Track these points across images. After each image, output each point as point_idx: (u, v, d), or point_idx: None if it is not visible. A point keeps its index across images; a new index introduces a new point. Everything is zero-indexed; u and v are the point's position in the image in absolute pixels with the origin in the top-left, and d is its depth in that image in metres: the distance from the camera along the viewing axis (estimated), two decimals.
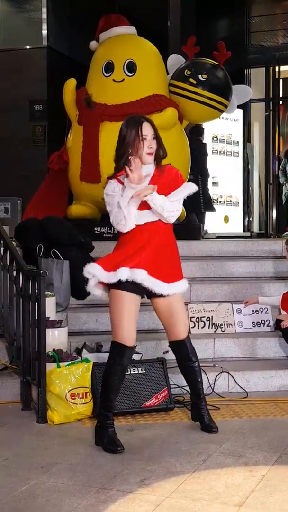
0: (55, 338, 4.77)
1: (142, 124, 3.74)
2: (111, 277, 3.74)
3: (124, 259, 3.74)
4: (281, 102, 12.66)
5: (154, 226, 3.80)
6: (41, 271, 4.53)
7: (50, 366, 4.38)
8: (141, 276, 3.72)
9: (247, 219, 11.54)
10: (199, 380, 4.06)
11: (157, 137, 3.79)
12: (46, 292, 4.69)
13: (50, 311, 4.95)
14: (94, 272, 3.79)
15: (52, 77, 9.74)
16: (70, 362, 4.44)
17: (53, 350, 4.55)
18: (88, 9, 9.71)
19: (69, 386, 4.32)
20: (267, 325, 5.65)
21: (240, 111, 10.87)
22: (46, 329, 4.46)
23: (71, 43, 10.47)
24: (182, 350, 4.02)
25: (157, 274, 3.78)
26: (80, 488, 3.22)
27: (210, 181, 9.48)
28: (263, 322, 5.66)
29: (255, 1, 11.91)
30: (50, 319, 4.86)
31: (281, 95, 12.60)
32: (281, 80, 12.47)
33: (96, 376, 4.41)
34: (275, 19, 12.22)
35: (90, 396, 4.38)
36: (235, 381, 4.88)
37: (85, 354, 4.85)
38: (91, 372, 4.41)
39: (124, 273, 3.69)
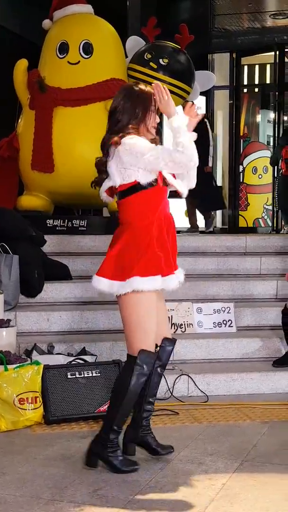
0: (3, 339, 4.73)
1: (154, 95, 3.51)
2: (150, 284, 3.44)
3: (165, 261, 3.49)
4: (245, 90, 12.78)
5: (167, 207, 3.59)
6: None
7: None
8: (174, 285, 3.56)
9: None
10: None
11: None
12: None
13: None
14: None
15: (2, 57, 9.63)
16: (18, 364, 4.41)
17: (0, 351, 4.51)
18: None
19: (18, 390, 4.28)
20: (229, 326, 5.69)
21: (203, 98, 10.91)
22: None
23: (22, 21, 10.35)
24: (166, 352, 3.73)
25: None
26: (28, 500, 3.19)
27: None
28: (224, 322, 5.70)
29: None
30: None
31: (245, 83, 12.72)
32: (245, 67, 12.58)
33: (47, 379, 4.38)
34: (241, 2, 12.29)
35: (40, 401, 4.35)
36: (195, 385, 4.91)
37: (35, 356, 4.82)
38: (42, 376, 4.38)
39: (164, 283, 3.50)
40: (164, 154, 3.39)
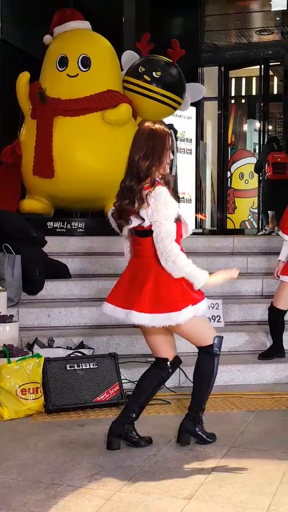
0: (6, 333, 4.72)
1: (169, 134, 3.60)
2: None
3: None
4: (233, 101, 12.80)
5: None
6: None
7: (1, 361, 4.33)
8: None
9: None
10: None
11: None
12: None
13: (1, 306, 4.90)
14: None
15: (5, 70, 9.60)
16: (21, 357, 4.40)
17: (4, 345, 4.50)
18: (42, 3, 9.61)
19: (20, 381, 4.28)
20: (217, 321, 5.69)
21: (194, 109, 10.91)
22: None
23: (25, 36, 10.33)
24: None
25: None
26: (29, 484, 3.19)
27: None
28: (213, 317, 5.70)
29: (209, 1, 11.96)
30: (1, 314, 4.80)
31: (233, 94, 12.74)
32: (233, 80, 12.59)
33: (48, 371, 4.37)
34: (229, 19, 12.31)
35: (41, 392, 4.34)
36: (186, 376, 4.89)
37: (36, 349, 4.81)
38: (42, 367, 4.38)
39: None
40: (172, 252, 3.43)
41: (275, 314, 5.24)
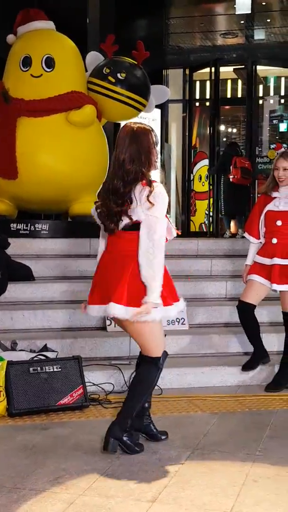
0: None
1: (152, 131, 3.62)
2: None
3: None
4: (197, 103, 12.86)
5: None
6: None
7: None
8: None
9: None
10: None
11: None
12: None
13: None
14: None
15: None
16: None
17: None
18: (6, 2, 9.54)
19: None
20: (182, 323, 5.71)
21: (158, 111, 10.95)
22: None
23: None
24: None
25: None
26: None
27: None
28: (177, 320, 5.71)
29: (173, 3, 12.02)
30: None
31: (197, 97, 12.80)
32: (197, 82, 12.66)
33: (10, 374, 4.35)
34: (193, 21, 12.38)
35: (3, 395, 4.31)
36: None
37: None
38: (5, 371, 4.35)
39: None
40: (158, 252, 3.51)
41: (244, 309, 5.07)
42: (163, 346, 3.72)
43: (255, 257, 5.06)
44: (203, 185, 11.87)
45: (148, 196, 3.48)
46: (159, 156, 3.67)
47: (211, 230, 11.67)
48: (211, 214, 11.62)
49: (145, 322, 3.54)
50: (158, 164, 3.67)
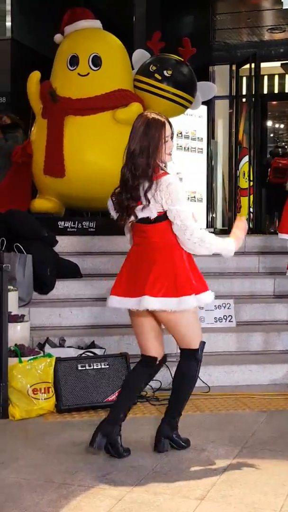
0: (17, 333, 4.73)
1: (165, 124, 3.55)
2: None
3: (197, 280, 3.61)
4: (244, 99, 12.75)
5: None
6: (3, 265, 4.48)
7: (12, 361, 4.34)
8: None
9: (210, 215, 11.60)
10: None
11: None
12: (9, 287, 4.65)
13: (13, 305, 4.90)
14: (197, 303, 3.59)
15: (16, 70, 9.65)
16: (32, 357, 4.41)
17: (15, 345, 4.51)
18: (53, 2, 9.63)
19: (31, 381, 4.29)
20: (229, 321, 5.68)
21: (205, 107, 10.88)
22: (8, 323, 4.42)
23: (35, 36, 10.36)
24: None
25: None
26: (41, 484, 3.19)
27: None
28: (225, 317, 5.69)
29: None
30: (12, 313, 4.80)
31: (244, 93, 12.68)
32: (244, 78, 12.55)
33: (59, 371, 4.38)
34: (240, 17, 12.28)
35: (52, 391, 4.35)
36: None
37: (47, 349, 4.82)
38: (54, 367, 4.38)
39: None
40: (197, 233, 3.47)
41: None
42: (200, 336, 3.66)
43: None
44: (246, 181, 11.76)
45: (156, 189, 3.43)
46: (171, 148, 3.58)
47: (251, 226, 11.58)
48: (251, 210, 11.53)
49: (181, 311, 3.49)
50: (171, 157, 3.60)
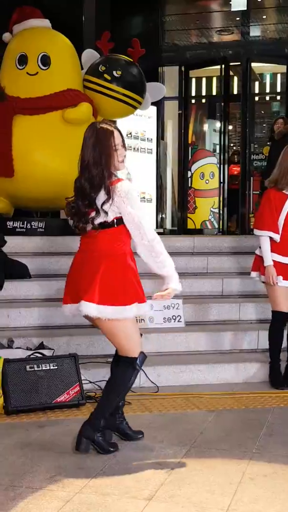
0: None
1: (114, 133, 3.63)
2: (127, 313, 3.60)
3: (135, 291, 3.64)
4: (193, 101, 12.84)
5: None
6: None
7: None
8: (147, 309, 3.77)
9: (160, 216, 11.65)
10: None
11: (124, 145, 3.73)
12: None
13: None
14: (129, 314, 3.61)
15: None
16: None
17: None
18: (2, 1, 9.52)
19: None
20: (178, 321, 5.71)
21: (154, 108, 10.92)
22: None
23: None
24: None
25: None
26: None
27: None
28: (174, 317, 5.73)
29: (169, 0, 11.99)
30: None
31: (193, 94, 12.77)
32: (193, 79, 12.63)
33: (7, 372, 4.34)
34: (189, 18, 12.35)
35: (0, 393, 4.31)
36: (146, 376, 4.92)
37: None
38: (2, 368, 4.34)
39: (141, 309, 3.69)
40: (149, 235, 3.60)
41: (281, 320, 4.99)
42: (139, 346, 3.69)
43: (272, 255, 4.95)
44: (206, 183, 11.86)
45: (112, 193, 3.53)
46: (123, 155, 3.68)
47: (216, 226, 11.73)
48: (216, 211, 11.68)
49: (118, 320, 3.55)
50: (123, 164, 3.68)
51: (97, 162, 3.56)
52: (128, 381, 3.67)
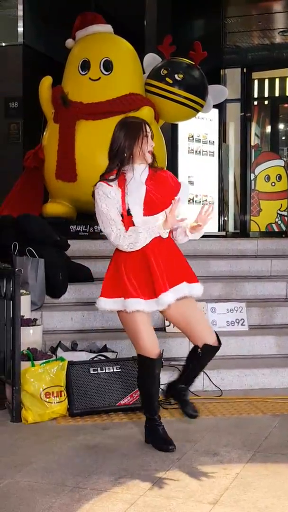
0: (30, 337, 4.74)
1: (144, 123, 3.71)
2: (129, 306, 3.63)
3: (140, 286, 3.64)
4: (255, 102, 12.73)
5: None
6: (15, 269, 4.49)
7: (25, 365, 4.35)
8: (167, 301, 3.64)
9: (222, 219, 11.59)
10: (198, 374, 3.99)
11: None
12: (21, 291, 4.66)
13: (25, 309, 4.92)
14: (114, 307, 3.73)
15: (28, 75, 9.67)
16: (45, 360, 4.42)
17: (28, 348, 4.52)
18: (64, 7, 9.66)
19: (44, 385, 4.30)
20: (241, 324, 5.66)
21: (216, 111, 10.88)
22: (21, 327, 4.43)
23: (47, 41, 10.40)
24: (209, 354, 3.85)
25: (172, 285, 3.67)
26: (54, 487, 3.20)
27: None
28: (237, 321, 5.67)
29: (231, 2, 11.92)
30: (25, 317, 4.83)
31: (255, 96, 12.67)
32: (255, 81, 12.53)
33: (71, 374, 4.39)
34: (251, 20, 12.26)
35: (64, 395, 4.36)
36: (210, 380, 4.89)
37: (60, 352, 4.83)
38: (66, 371, 4.39)
39: (151, 306, 3.65)
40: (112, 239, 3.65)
41: None
42: (142, 346, 3.68)
43: None
44: (273, 185, 11.74)
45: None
46: (152, 145, 3.70)
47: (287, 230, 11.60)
48: (284, 214, 11.56)
49: (121, 313, 3.69)
50: (149, 156, 3.68)
51: (116, 146, 3.65)
52: (138, 376, 3.78)
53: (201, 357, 3.81)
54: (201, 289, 3.76)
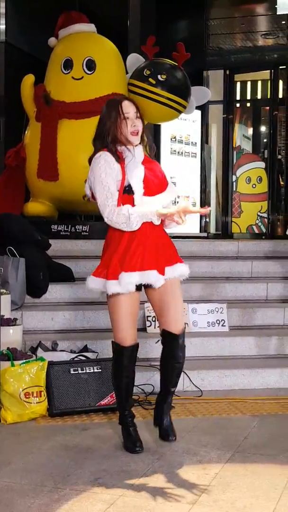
0: (10, 336, 4.72)
1: (122, 102, 3.58)
2: (118, 286, 3.54)
3: (128, 260, 3.55)
4: (238, 104, 12.79)
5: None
6: None
7: (4, 365, 4.34)
8: (153, 278, 3.54)
9: (204, 220, 11.61)
10: (174, 382, 3.87)
11: (141, 117, 3.63)
12: (1, 290, 4.65)
13: (5, 309, 4.90)
14: (97, 286, 3.66)
15: (10, 73, 9.62)
16: (24, 360, 4.41)
17: (7, 348, 4.50)
18: (48, 6, 9.63)
19: (23, 385, 4.28)
20: (222, 325, 5.68)
21: (199, 112, 10.91)
22: (1, 327, 4.41)
23: (30, 39, 10.35)
24: (173, 344, 3.75)
25: (162, 268, 3.60)
26: (33, 488, 3.19)
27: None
28: (218, 322, 5.69)
29: (214, 4, 11.96)
30: (5, 317, 4.81)
31: (238, 98, 12.72)
32: (238, 83, 12.58)
33: (51, 374, 4.38)
34: (234, 22, 12.30)
35: (44, 395, 4.35)
36: (190, 380, 4.91)
37: (40, 352, 4.81)
38: (46, 371, 4.38)
39: (134, 278, 3.53)
40: (114, 214, 3.52)
41: None
42: (117, 333, 3.68)
43: None
44: (253, 187, 11.80)
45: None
46: (136, 126, 3.60)
47: (267, 231, 11.66)
48: (263, 215, 11.62)
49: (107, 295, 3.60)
50: (136, 137, 3.62)
51: (99, 130, 3.58)
52: (113, 365, 3.76)
53: (163, 349, 3.80)
54: (187, 269, 3.69)
